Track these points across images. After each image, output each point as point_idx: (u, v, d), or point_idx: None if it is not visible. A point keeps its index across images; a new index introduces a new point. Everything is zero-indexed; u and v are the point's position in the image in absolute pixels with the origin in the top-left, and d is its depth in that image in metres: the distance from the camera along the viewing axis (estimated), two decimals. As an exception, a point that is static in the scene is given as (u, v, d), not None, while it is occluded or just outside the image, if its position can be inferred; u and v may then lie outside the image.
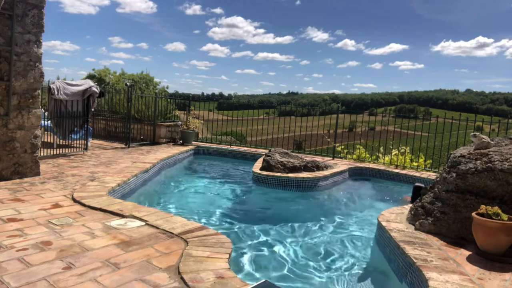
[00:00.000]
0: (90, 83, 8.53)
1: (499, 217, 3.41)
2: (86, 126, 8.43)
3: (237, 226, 5.05)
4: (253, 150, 10.53)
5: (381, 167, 8.73)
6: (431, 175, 7.90)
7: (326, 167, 7.84)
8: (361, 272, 3.96)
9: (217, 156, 10.34)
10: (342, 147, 10.33)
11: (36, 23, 5.57)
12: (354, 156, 10.08)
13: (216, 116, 14.60)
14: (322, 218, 5.68)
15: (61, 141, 8.41)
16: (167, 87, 20.37)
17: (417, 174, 8.11)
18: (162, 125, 11.05)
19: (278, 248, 4.37)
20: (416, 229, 4.18)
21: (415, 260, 3.25)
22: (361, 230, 5.24)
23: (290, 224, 5.28)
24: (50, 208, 4.30)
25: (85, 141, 8.55)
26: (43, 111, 8.70)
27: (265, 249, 4.33)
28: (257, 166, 7.59)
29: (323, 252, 4.36)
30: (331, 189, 7.34)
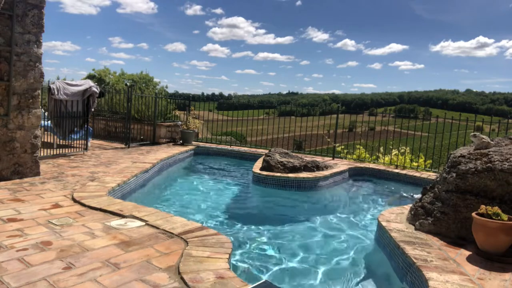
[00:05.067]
0: (90, 83, 8.52)
1: (499, 217, 3.41)
2: (86, 126, 8.43)
3: (237, 226, 5.05)
4: (253, 150, 10.53)
5: (381, 167, 8.73)
6: (431, 175, 7.90)
7: (326, 167, 7.84)
8: (361, 272, 3.96)
9: (217, 156, 10.34)
10: (342, 147, 10.33)
11: (36, 23, 5.57)
12: (354, 156, 10.08)
13: (216, 116, 14.59)
14: (322, 218, 5.67)
15: (61, 141, 8.41)
16: (166, 87, 20.35)
17: (417, 174, 8.12)
18: (162, 125, 11.05)
19: (278, 248, 4.37)
20: (416, 229, 4.18)
21: (415, 260, 3.25)
22: (361, 230, 5.23)
23: (290, 224, 5.28)
24: (50, 208, 4.30)
25: (85, 141, 8.55)
26: (43, 111, 8.70)
27: (265, 249, 4.33)
28: (257, 166, 7.59)
29: (323, 252, 4.36)
30: (331, 189, 7.34)
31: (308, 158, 8.62)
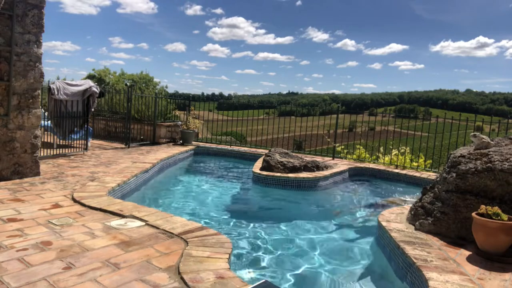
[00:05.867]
0: (90, 83, 8.53)
1: (499, 217, 3.41)
2: (86, 126, 8.43)
3: (237, 226, 5.05)
4: (253, 150, 10.53)
5: (381, 167, 8.73)
6: (431, 175, 7.90)
7: (326, 167, 7.84)
8: (361, 272, 3.96)
9: (217, 156, 10.34)
10: (342, 147, 10.33)
11: (36, 23, 5.57)
12: (354, 156, 10.08)
13: (216, 116, 14.59)
14: (322, 218, 5.68)
15: (61, 141, 8.41)
16: (166, 87, 20.36)
17: (417, 174, 8.11)
18: (162, 125, 11.05)
19: (278, 248, 4.37)
20: (416, 229, 4.18)
21: (415, 260, 3.25)
22: (361, 230, 5.23)
23: (290, 224, 5.28)
24: (50, 208, 4.30)
25: (85, 141, 8.55)
26: (43, 111, 8.70)
27: (265, 249, 4.33)
28: (257, 166, 7.59)
29: (323, 252, 4.36)
30: (331, 189, 7.34)
31: (308, 158, 8.62)
